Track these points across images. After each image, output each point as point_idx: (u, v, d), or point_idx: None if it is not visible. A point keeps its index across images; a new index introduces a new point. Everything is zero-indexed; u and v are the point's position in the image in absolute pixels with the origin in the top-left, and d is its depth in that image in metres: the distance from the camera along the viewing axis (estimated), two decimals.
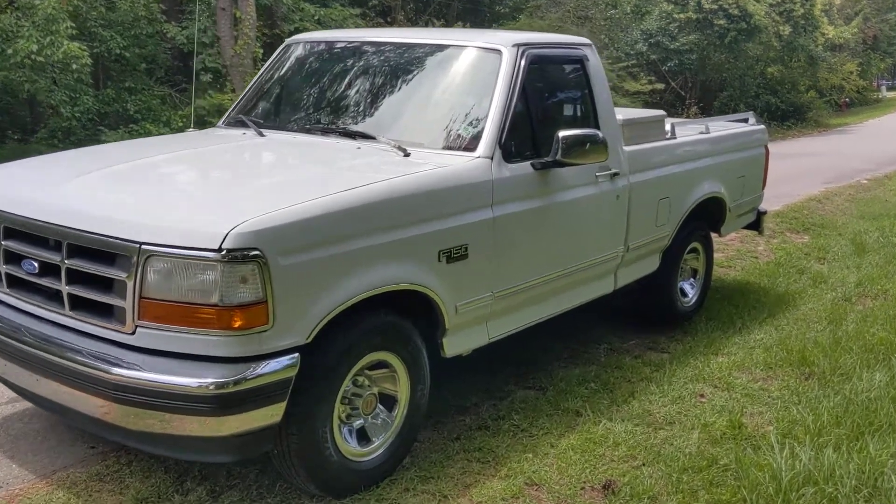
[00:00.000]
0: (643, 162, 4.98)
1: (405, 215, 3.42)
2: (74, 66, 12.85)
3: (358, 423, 3.48)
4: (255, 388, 2.94)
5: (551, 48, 4.45)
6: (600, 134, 4.10)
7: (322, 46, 4.81)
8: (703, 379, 4.89)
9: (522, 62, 4.12)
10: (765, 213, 6.75)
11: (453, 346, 3.83)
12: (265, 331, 2.95)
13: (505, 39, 4.20)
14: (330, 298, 3.11)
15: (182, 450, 3.13)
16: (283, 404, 3.03)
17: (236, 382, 2.90)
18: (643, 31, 24.12)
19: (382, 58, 4.48)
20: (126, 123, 13.08)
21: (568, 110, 4.62)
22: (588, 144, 4.06)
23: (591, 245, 4.59)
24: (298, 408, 3.15)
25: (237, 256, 2.85)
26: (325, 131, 4.22)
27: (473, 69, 4.23)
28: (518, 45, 4.16)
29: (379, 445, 3.53)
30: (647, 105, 23.22)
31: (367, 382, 3.50)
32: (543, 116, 4.34)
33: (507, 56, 4.11)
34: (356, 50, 4.63)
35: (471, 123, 4.00)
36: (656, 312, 5.70)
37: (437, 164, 3.73)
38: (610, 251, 4.76)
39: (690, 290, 5.95)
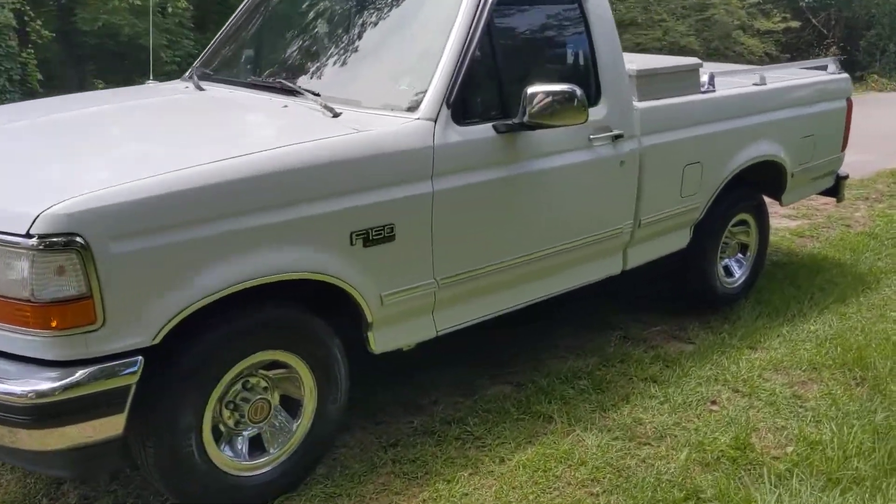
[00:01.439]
0: (663, 121, 4.18)
1: (298, 191, 2.86)
2: (170, 10, 12.89)
3: (250, 431, 3.01)
4: (83, 398, 2.50)
5: None
6: (577, 90, 3.35)
7: None
8: (722, 380, 4.13)
9: (489, 3, 3.42)
10: (845, 177, 5.73)
11: (384, 340, 3.28)
12: (93, 331, 2.49)
13: None
14: (183, 292, 2.62)
15: (29, 462, 2.76)
16: (123, 416, 2.59)
17: (61, 390, 2.48)
18: None
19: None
20: None
21: (556, 60, 3.87)
22: (561, 102, 3.34)
23: (583, 220, 3.88)
24: (156, 417, 2.70)
25: (51, 243, 2.39)
26: (266, 86, 3.68)
27: (431, 9, 3.57)
28: None
29: (274, 458, 3.04)
30: (781, 46, 21.34)
31: (262, 384, 3.01)
32: (519, 68, 3.62)
33: None
34: None
35: (417, 77, 3.36)
36: (689, 295, 4.92)
37: (363, 127, 3.14)
38: (612, 227, 4.03)
39: (738, 269, 5.11)
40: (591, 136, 3.79)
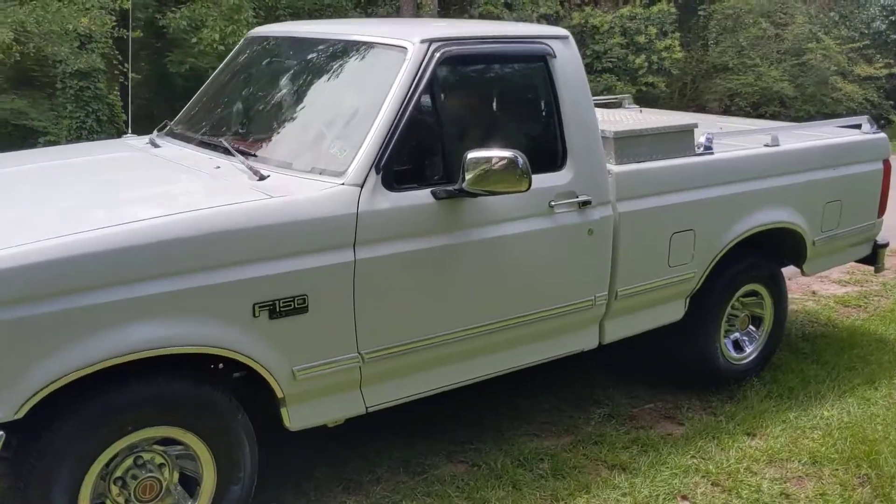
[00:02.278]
0: (644, 185, 3.89)
1: (194, 259, 2.73)
2: None
3: None
4: None
5: (491, 44, 3.51)
6: (519, 157, 3.12)
7: (260, 44, 4.18)
8: (703, 471, 3.75)
9: (433, 63, 3.25)
10: (885, 245, 5.24)
11: (301, 416, 3.10)
12: None
13: (415, 32, 3.34)
14: (50, 365, 2.51)
15: None
16: None
17: None
18: (883, 7, 21.12)
19: (299, 57, 3.78)
20: None
21: (513, 121, 3.66)
22: (502, 169, 3.13)
23: (542, 292, 3.61)
24: (29, 494, 2.60)
25: None
26: (211, 145, 3.59)
27: (371, 71, 3.43)
28: (430, 42, 3.29)
29: None
30: (884, 92, 20.24)
31: (158, 460, 2.87)
32: (468, 131, 3.44)
33: (413, 55, 3.25)
34: (280, 48, 3.97)
35: (349, 141, 3.20)
36: (686, 371, 4.54)
37: (282, 192, 3.01)
38: (579, 299, 3.75)
39: (749, 344, 4.70)
40: (553, 203, 3.54)
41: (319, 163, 3.19)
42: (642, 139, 3.91)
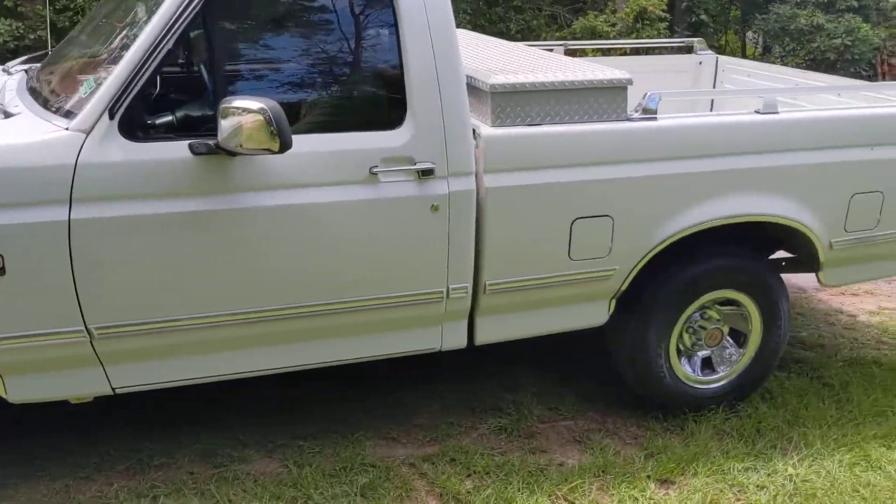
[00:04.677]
0: (529, 155, 3.05)
1: None
2: None
3: None
4: None
5: None
6: (267, 109, 2.48)
7: None
8: None
9: None
10: None
11: (20, 389, 2.76)
12: None
13: None
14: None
15: None
16: None
17: None
18: None
19: None
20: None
21: (328, 63, 2.93)
22: (253, 124, 2.51)
23: (361, 278, 2.95)
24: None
25: None
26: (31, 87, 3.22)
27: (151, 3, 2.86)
28: None
29: None
30: None
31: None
32: (259, 74, 2.82)
33: None
34: None
35: (96, 79, 2.72)
36: (630, 386, 3.66)
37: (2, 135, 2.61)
38: (424, 289, 3.04)
39: (723, 366, 3.69)
40: (376, 169, 2.85)
41: (67, 104, 2.74)
42: (534, 95, 3.04)
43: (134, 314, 2.74)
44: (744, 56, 12.76)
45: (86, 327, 2.70)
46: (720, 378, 3.68)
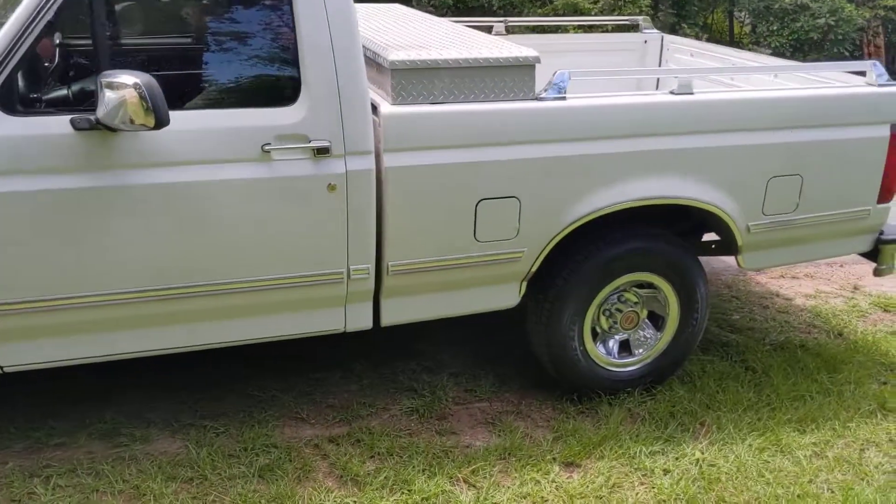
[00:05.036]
0: (432, 134, 3.00)
1: None
2: None
3: None
4: None
5: None
6: (140, 83, 2.43)
7: None
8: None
9: None
10: (891, 241, 3.87)
11: None
12: None
13: None
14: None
15: None
16: None
17: None
18: None
19: None
20: None
21: (218, 37, 2.88)
22: (130, 99, 2.46)
23: (255, 258, 2.91)
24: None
25: None
26: None
27: None
28: None
29: None
30: None
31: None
32: (145, 48, 2.76)
33: None
34: None
35: None
36: (545, 368, 3.63)
37: None
38: (323, 270, 3.00)
39: (640, 349, 3.67)
40: (268, 147, 2.80)
41: None
42: (437, 73, 2.99)
43: (17, 292, 2.69)
44: (731, 36, 12.67)
45: None
46: (637, 361, 3.67)
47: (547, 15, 12.07)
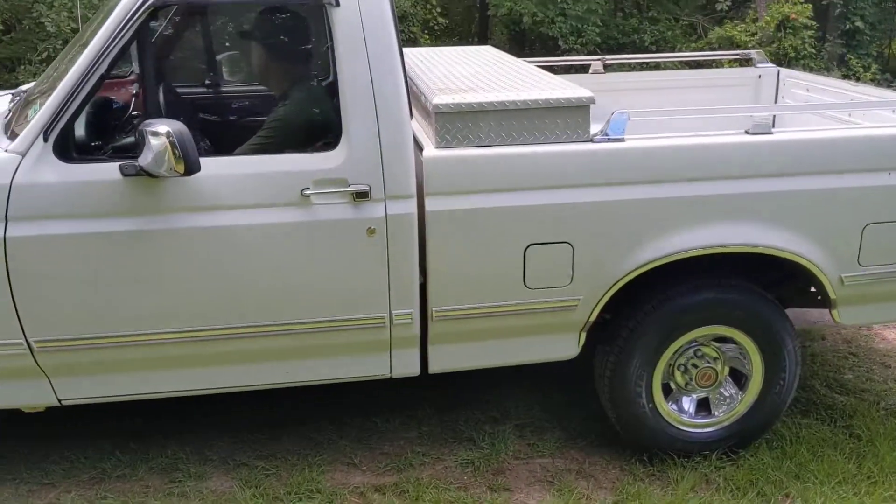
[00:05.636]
0: (477, 177, 2.92)
1: None
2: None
3: None
4: None
5: None
6: (173, 132, 2.51)
7: None
8: None
9: (143, 12, 2.71)
10: None
11: None
12: None
13: None
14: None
15: None
16: None
17: None
18: None
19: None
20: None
21: (266, 88, 2.93)
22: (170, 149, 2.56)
23: (296, 301, 2.92)
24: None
25: None
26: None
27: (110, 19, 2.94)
28: None
29: None
30: None
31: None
32: (193, 99, 2.85)
33: (124, 4, 2.75)
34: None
35: (41, 104, 2.84)
36: (613, 423, 3.42)
37: None
38: (364, 315, 2.97)
39: (721, 409, 3.38)
40: (308, 191, 2.82)
41: (18, 128, 2.88)
42: (482, 116, 2.91)
43: (70, 329, 2.83)
44: None
45: (26, 341, 2.82)
46: (716, 422, 3.38)
47: (701, 49, 11.71)
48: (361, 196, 2.84)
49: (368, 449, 3.47)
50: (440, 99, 2.90)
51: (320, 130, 2.88)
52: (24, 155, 2.71)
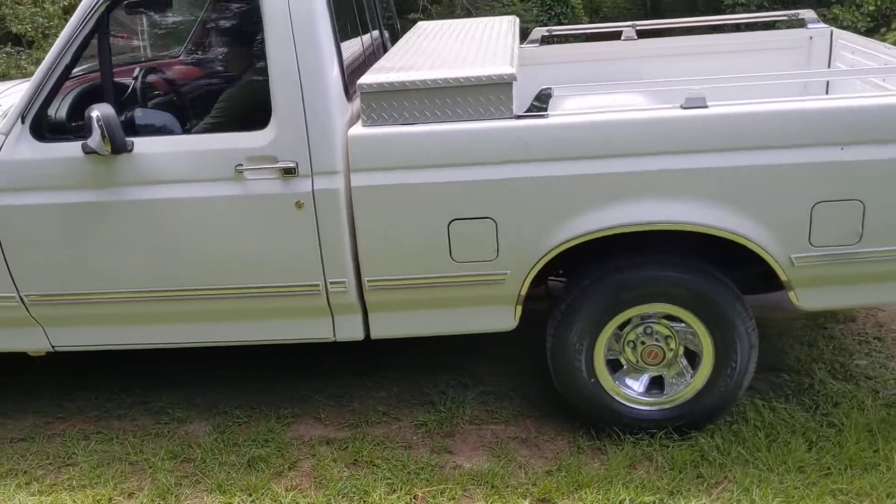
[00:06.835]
0: (400, 154, 3.04)
1: None
2: None
3: None
4: None
5: None
6: (98, 116, 2.85)
7: None
8: None
9: (100, 5, 3.07)
10: None
11: None
12: None
13: None
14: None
15: None
16: None
17: None
18: None
19: None
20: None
21: (207, 72, 3.17)
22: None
23: (236, 268, 3.20)
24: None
25: None
26: None
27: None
28: None
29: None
30: None
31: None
32: (143, 82, 3.16)
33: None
34: None
35: None
36: (562, 396, 3.46)
37: None
38: (298, 282, 3.20)
39: (674, 388, 3.33)
40: (241, 167, 3.08)
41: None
42: (406, 95, 3.02)
43: (51, 286, 3.28)
44: None
45: (19, 295, 3.29)
46: (665, 401, 3.33)
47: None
48: (289, 172, 3.06)
49: (339, 406, 3.72)
50: (366, 79, 3.04)
51: (256, 111, 3.11)
52: (6, 135, 3.15)
